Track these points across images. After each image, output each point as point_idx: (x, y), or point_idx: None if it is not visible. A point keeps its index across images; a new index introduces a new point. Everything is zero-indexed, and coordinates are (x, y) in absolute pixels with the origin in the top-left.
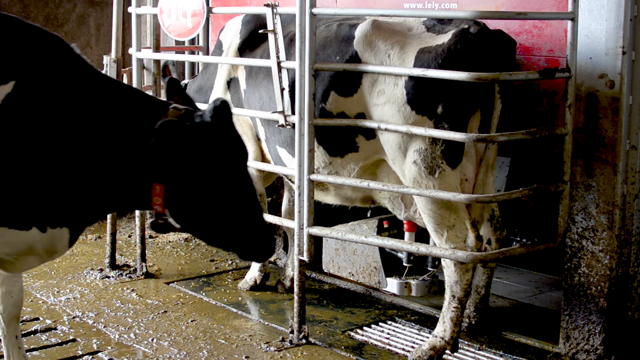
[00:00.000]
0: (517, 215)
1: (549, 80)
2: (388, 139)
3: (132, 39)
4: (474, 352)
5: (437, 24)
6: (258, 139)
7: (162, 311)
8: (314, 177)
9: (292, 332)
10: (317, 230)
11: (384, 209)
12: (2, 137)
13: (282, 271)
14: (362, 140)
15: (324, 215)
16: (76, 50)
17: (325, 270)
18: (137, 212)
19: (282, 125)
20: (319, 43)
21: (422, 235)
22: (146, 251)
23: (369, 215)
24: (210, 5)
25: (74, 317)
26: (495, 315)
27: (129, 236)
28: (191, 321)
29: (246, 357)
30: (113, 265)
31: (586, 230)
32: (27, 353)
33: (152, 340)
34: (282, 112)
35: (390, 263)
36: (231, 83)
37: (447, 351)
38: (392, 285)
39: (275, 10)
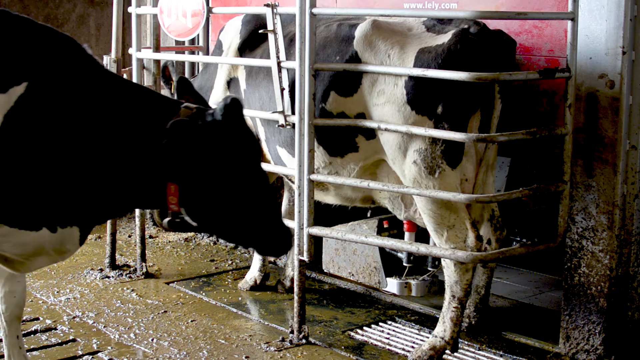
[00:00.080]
0: (517, 215)
1: (549, 80)
2: (388, 139)
3: (132, 39)
4: (474, 352)
5: (437, 24)
6: (258, 139)
7: (162, 311)
8: (314, 177)
9: (292, 332)
10: (317, 230)
11: (384, 209)
12: (14, 138)
13: (282, 271)
14: (362, 140)
15: (324, 215)
16: (88, 51)
17: (325, 270)
18: (137, 212)
19: (282, 125)
20: (319, 43)
21: (422, 235)
22: (146, 251)
23: (369, 215)
24: (210, 5)
25: (74, 317)
26: (495, 315)
27: (129, 236)
28: (191, 321)
29: (246, 357)
30: (113, 265)
31: (586, 230)
32: (27, 353)
33: (152, 340)
34: (282, 112)
35: (390, 263)
36: (231, 83)
37: (447, 351)
38: (392, 285)
39: (275, 10)
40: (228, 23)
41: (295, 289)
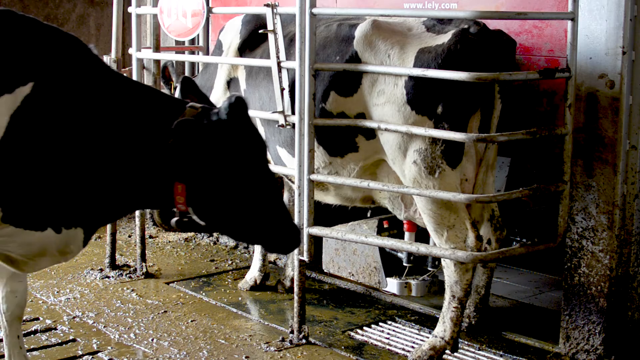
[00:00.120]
0: (517, 215)
1: (549, 80)
2: (388, 139)
3: (132, 39)
4: (474, 352)
5: (437, 24)
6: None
7: (162, 311)
8: (314, 177)
9: (292, 332)
10: (317, 230)
11: (384, 209)
12: (20, 138)
13: (282, 271)
14: (362, 140)
15: (324, 215)
16: (93, 51)
17: (325, 270)
18: (137, 212)
19: (282, 125)
20: (319, 43)
21: (422, 235)
22: (146, 251)
23: (369, 215)
24: (210, 5)
25: (74, 317)
26: (495, 315)
27: (129, 236)
28: (191, 321)
29: (246, 357)
30: (113, 265)
31: (586, 230)
32: (27, 353)
33: (152, 340)
34: (282, 112)
35: (390, 263)
36: (231, 83)
37: (447, 351)
38: (392, 285)
39: (275, 10)
40: (228, 23)
41: (295, 289)
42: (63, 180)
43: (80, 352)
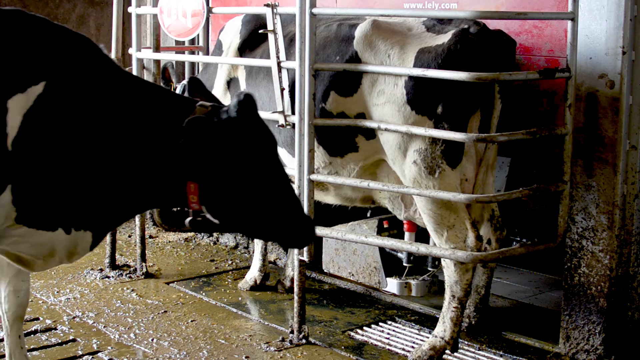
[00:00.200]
0: (517, 215)
1: (549, 80)
2: (388, 139)
3: (132, 39)
4: (474, 352)
5: (437, 24)
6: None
7: (162, 311)
8: (314, 177)
9: (292, 332)
10: (317, 230)
11: (384, 209)
12: (33, 137)
13: (282, 271)
14: (362, 140)
15: (324, 215)
16: (104, 51)
17: (325, 270)
18: None
19: (282, 125)
20: (319, 43)
21: (422, 235)
22: (146, 251)
23: (369, 215)
24: (210, 5)
25: (74, 317)
26: (495, 315)
27: (129, 236)
28: (191, 321)
29: (246, 357)
30: (113, 265)
31: (586, 230)
32: (28, 353)
33: (152, 340)
34: (282, 112)
35: (390, 263)
36: (231, 83)
37: (447, 351)
38: (392, 285)
39: (275, 10)
40: (228, 23)
41: (295, 289)
42: (75, 179)
43: (80, 352)
